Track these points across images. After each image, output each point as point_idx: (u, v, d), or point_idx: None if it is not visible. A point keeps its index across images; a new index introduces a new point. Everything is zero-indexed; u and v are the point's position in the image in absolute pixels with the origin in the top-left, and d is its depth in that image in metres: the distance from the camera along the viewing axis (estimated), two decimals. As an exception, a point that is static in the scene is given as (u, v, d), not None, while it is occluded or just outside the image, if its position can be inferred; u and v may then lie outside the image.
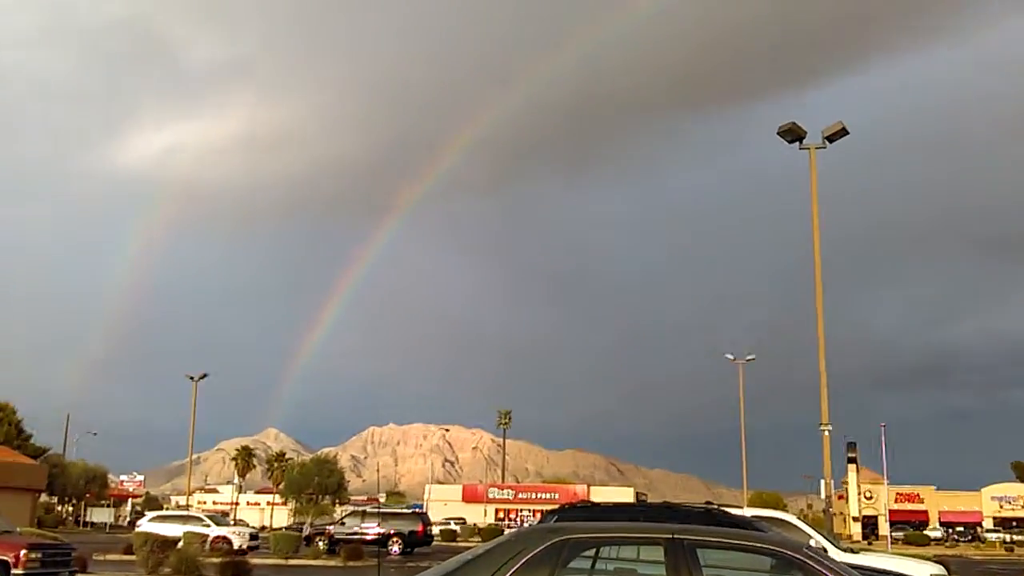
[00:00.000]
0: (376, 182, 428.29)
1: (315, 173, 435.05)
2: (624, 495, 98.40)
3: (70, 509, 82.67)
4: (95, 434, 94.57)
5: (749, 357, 61.79)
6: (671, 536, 5.28)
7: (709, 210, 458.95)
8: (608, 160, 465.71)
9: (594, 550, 5.61)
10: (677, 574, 5.09)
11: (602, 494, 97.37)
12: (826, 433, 22.64)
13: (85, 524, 77.34)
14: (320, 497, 72.69)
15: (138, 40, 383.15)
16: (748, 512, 13.25)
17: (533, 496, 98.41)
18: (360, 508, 54.59)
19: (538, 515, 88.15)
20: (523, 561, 5.19)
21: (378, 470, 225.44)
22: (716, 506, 11.84)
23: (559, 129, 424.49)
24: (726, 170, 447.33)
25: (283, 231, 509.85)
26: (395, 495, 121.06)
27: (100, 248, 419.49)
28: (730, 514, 11.31)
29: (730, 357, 61.90)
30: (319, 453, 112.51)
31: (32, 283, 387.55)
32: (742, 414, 62.06)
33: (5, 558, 18.49)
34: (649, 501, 40.51)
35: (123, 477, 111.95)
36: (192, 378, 64.32)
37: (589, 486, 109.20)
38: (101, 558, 31.58)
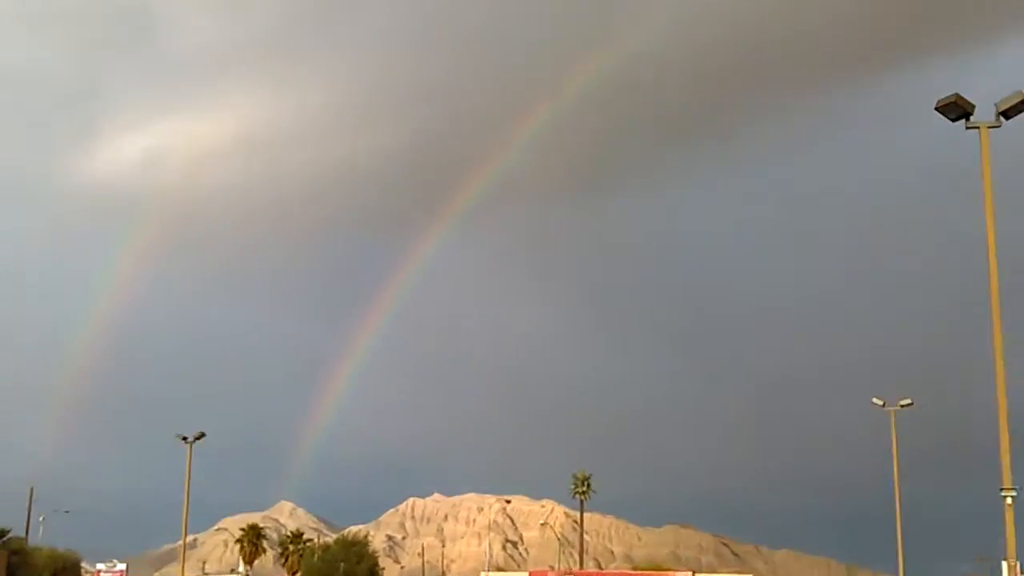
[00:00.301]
0: (415, 187, 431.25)
1: (336, 179, 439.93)
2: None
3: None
4: (66, 512, 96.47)
5: (904, 402, 60.51)
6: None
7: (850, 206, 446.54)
8: (729, 148, 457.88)
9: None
10: None
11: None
12: (1009, 500, 21.96)
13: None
14: (348, 590, 73.20)
15: (118, 23, 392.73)
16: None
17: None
18: None
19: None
20: None
21: (421, 553, 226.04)
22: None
23: (659, 111, 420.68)
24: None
25: (298, 252, 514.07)
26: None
27: (73, 278, 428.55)
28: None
29: (878, 402, 60.69)
30: (346, 533, 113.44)
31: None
32: (896, 478, 60.61)
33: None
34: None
35: (100, 566, 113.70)
36: (186, 439, 65.19)
37: (694, 573, 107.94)
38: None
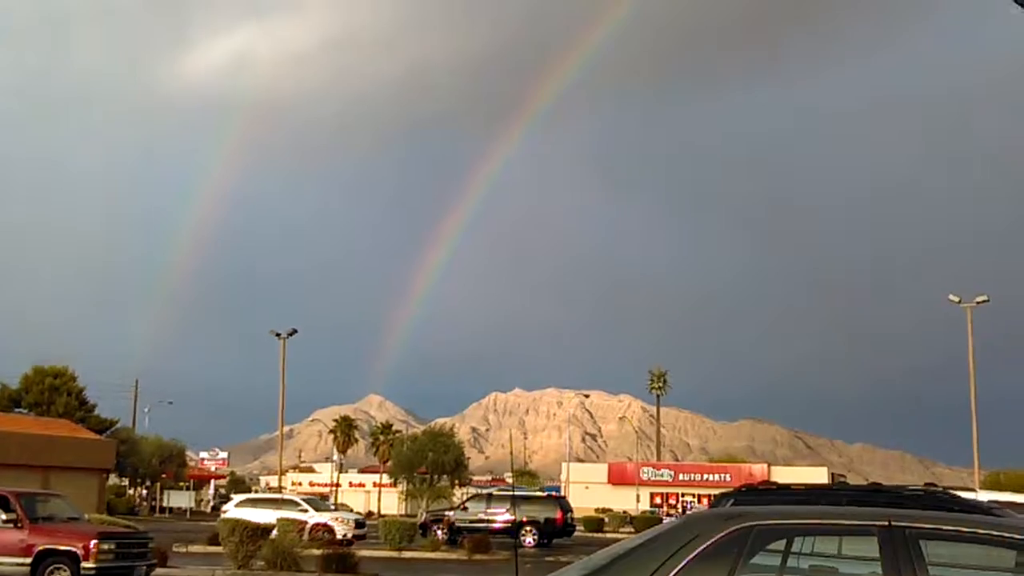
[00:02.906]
0: (496, 85, 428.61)
1: (418, 79, 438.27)
2: (816, 476, 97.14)
3: (143, 492, 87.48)
4: (170, 403, 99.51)
5: (980, 299, 59.46)
6: (888, 524, 5.12)
7: (943, 100, 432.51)
8: (812, 38, 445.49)
9: (784, 541, 5.51)
10: (897, 571, 4.90)
11: (787, 475, 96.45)
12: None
13: (162, 510, 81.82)
14: (436, 477, 74.69)
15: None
16: (983, 496, 12.84)
17: (698, 477, 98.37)
18: (485, 491, 55.81)
19: (706, 501, 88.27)
20: (694, 554, 5.10)
21: (508, 445, 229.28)
22: (940, 489, 11.48)
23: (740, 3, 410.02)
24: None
25: (382, 151, 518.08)
26: (525, 475, 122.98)
27: (168, 182, 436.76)
28: (960, 498, 10.95)
29: (954, 299, 59.72)
30: (432, 424, 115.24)
31: (89, 227, 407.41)
32: (972, 374, 59.88)
33: (73, 549, 19.69)
34: (850, 483, 39.77)
35: (204, 454, 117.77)
36: (279, 335, 66.50)
37: (769, 465, 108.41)
38: (182, 549, 33.43)
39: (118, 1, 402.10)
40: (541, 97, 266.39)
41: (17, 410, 67.88)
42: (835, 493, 13.30)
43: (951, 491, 12.08)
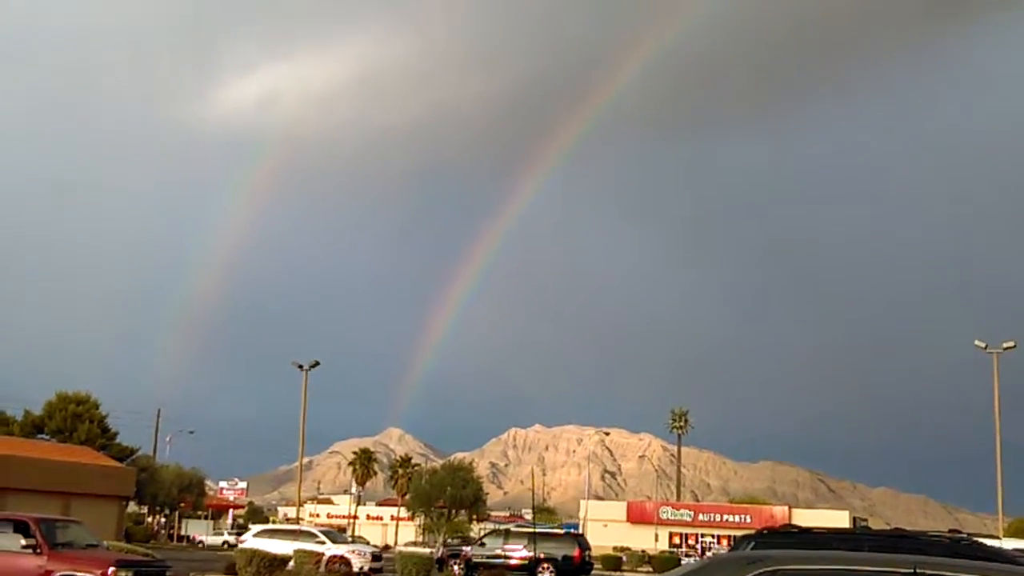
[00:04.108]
0: (520, 126, 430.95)
1: (442, 119, 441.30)
2: (837, 519, 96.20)
3: (162, 520, 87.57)
4: (191, 432, 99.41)
5: (1007, 345, 59.10)
6: (913, 571, 5.09)
7: (974, 147, 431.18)
8: (840, 84, 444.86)
9: (807, 586, 5.47)
10: (921, 620, 4.88)
11: (808, 518, 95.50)
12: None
13: (180, 538, 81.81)
14: (454, 512, 74.51)
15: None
16: (1008, 544, 12.70)
17: (718, 518, 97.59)
18: (502, 526, 55.57)
19: (726, 542, 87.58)
20: (715, 597, 5.08)
21: (526, 481, 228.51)
22: (965, 535, 11.40)
23: (768, 48, 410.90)
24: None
25: (405, 191, 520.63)
26: (544, 511, 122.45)
27: (192, 216, 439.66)
28: (985, 546, 10.87)
29: (981, 345, 59.40)
30: (452, 459, 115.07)
31: (115, 259, 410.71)
32: (997, 419, 59.41)
33: (91, 575, 19.76)
34: (872, 528, 39.45)
35: (223, 484, 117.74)
36: (301, 367, 66.73)
37: (790, 507, 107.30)
38: (199, 578, 33.38)
39: (147, 42, 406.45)
40: (564, 137, 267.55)
41: (40, 436, 68.16)
42: (857, 538, 13.23)
43: (975, 538, 11.98)
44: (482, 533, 54.58)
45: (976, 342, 59.90)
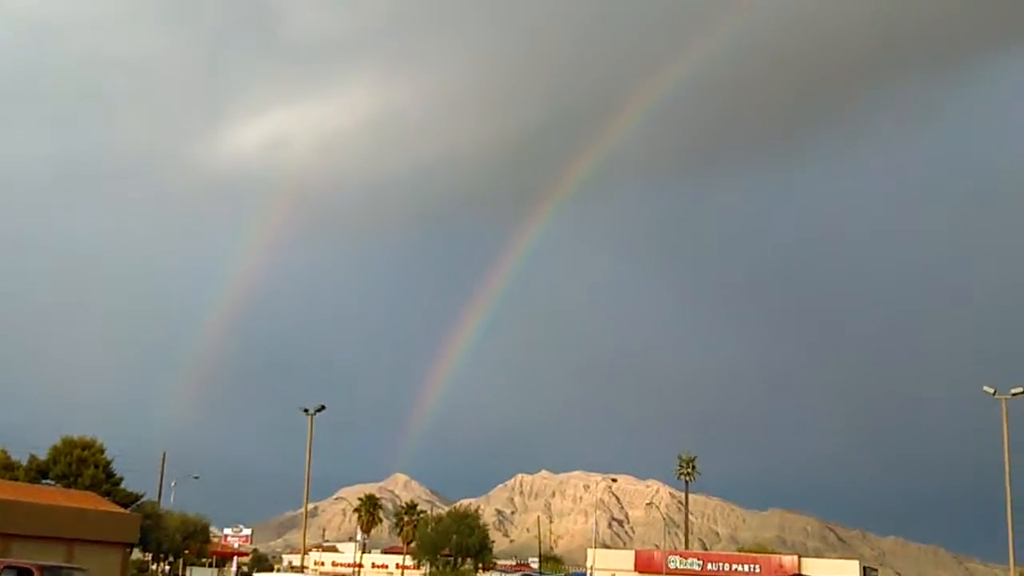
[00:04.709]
0: (529, 169, 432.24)
1: (449, 165, 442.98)
2: (847, 569, 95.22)
3: (166, 568, 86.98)
4: (196, 478, 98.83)
5: (1016, 391, 58.75)
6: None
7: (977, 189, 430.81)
8: (842, 129, 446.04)
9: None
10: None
11: (817, 567, 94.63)
12: None
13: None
14: (460, 560, 73.95)
15: (240, 11, 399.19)
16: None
17: (727, 568, 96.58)
18: (509, 575, 55.15)
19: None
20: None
21: (532, 529, 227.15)
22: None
23: (773, 92, 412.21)
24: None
25: (413, 236, 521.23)
26: (551, 560, 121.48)
27: (198, 260, 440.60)
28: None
29: (990, 390, 59.04)
30: (457, 506, 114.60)
31: (118, 302, 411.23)
32: (1007, 466, 58.87)
33: (96, 622, 19.61)
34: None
35: (227, 531, 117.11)
36: (307, 411, 66.57)
37: (800, 557, 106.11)
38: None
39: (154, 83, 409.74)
40: (571, 184, 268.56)
41: (44, 481, 67.92)
42: (870, 589, 13.00)
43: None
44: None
45: (985, 388, 59.57)
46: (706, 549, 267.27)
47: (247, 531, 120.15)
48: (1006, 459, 59.02)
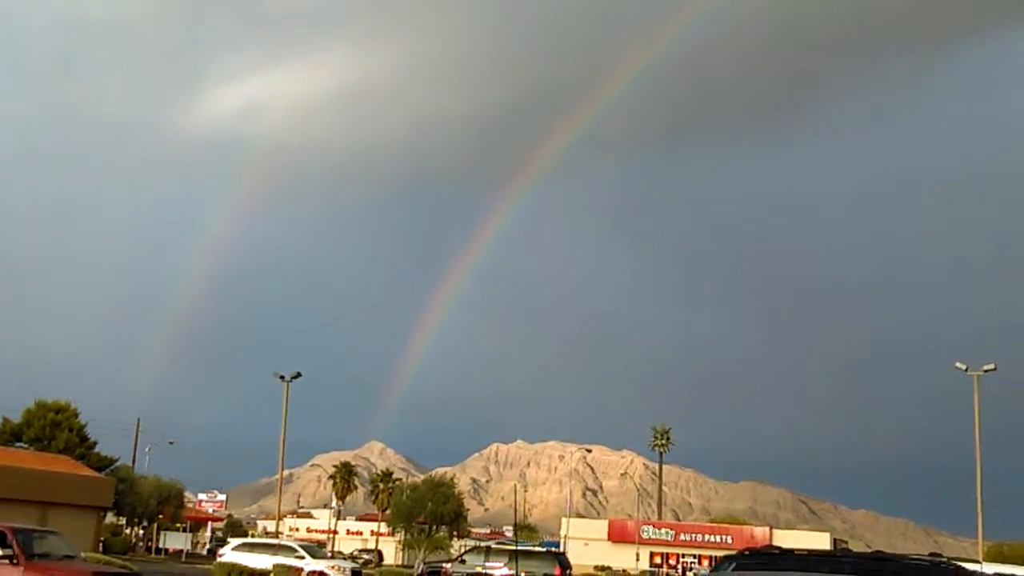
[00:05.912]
0: (503, 143, 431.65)
1: (425, 133, 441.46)
2: (818, 540, 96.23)
3: (140, 532, 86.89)
4: (171, 443, 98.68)
5: (987, 367, 59.28)
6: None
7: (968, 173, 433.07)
8: (824, 108, 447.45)
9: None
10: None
11: (789, 539, 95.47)
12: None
13: (158, 551, 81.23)
14: (435, 528, 74.14)
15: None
16: (988, 568, 12.73)
17: (699, 538, 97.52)
18: (483, 543, 55.36)
19: (707, 563, 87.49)
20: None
21: (507, 498, 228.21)
22: (945, 559, 11.41)
23: (754, 69, 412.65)
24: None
25: (388, 205, 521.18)
26: (525, 529, 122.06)
27: (174, 225, 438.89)
28: (965, 569, 10.89)
29: (961, 367, 59.55)
30: (433, 474, 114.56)
31: (94, 265, 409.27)
32: (977, 443, 59.59)
33: (69, 586, 19.61)
34: (852, 550, 39.43)
35: (202, 496, 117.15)
36: (283, 378, 66.51)
37: (771, 528, 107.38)
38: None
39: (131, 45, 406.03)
40: (552, 154, 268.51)
41: (18, 444, 67.62)
42: (839, 560, 13.24)
43: (956, 562, 12.01)
44: (463, 550, 54.33)
45: (957, 364, 60.07)
46: (679, 520, 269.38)
47: (222, 497, 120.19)
48: (976, 435, 59.65)
